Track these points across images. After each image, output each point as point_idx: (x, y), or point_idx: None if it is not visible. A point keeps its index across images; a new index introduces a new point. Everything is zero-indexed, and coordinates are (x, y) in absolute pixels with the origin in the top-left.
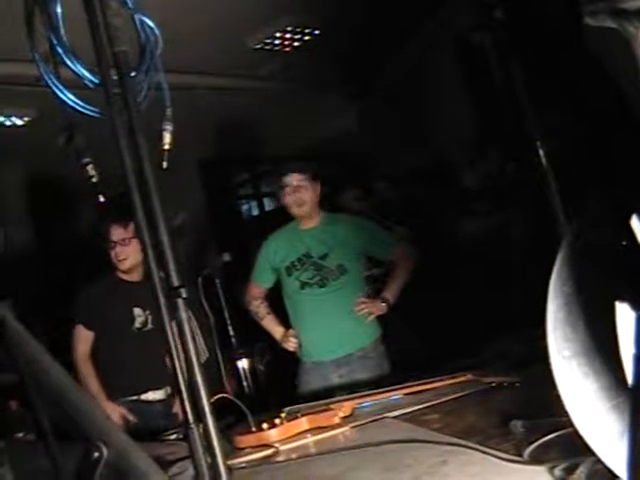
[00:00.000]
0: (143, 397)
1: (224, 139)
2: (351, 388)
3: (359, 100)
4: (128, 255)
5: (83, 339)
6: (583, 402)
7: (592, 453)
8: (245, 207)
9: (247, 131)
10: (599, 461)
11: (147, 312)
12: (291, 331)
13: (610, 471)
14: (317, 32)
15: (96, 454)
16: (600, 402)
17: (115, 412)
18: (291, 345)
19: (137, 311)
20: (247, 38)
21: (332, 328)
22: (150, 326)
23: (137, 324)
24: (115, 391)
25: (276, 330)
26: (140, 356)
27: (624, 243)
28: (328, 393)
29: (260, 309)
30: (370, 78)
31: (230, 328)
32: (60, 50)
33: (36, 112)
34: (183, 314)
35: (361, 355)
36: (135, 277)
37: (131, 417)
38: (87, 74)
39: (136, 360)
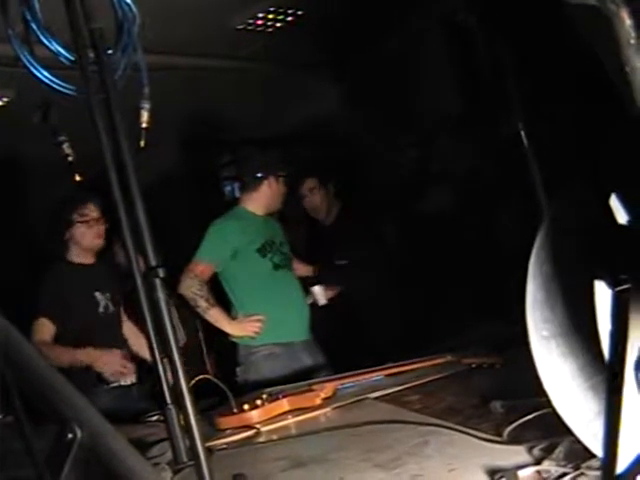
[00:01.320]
0: (122, 382)
1: (205, 120)
2: (325, 368)
3: (342, 82)
4: (102, 234)
5: (45, 331)
6: (561, 382)
7: (570, 433)
8: (228, 189)
9: (228, 112)
10: (577, 441)
11: (107, 295)
12: (256, 315)
13: (588, 450)
14: (300, 12)
15: (69, 435)
16: (578, 382)
17: (115, 358)
18: (256, 330)
19: (98, 295)
20: (229, 18)
21: (301, 311)
22: (112, 309)
23: (101, 308)
24: (93, 379)
25: (227, 321)
26: (110, 340)
27: (603, 222)
28: (310, 374)
29: (210, 296)
30: (354, 60)
31: None
32: (35, 26)
33: (15, 93)
34: (161, 294)
35: (313, 338)
36: (90, 259)
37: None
38: (63, 51)
39: (109, 344)
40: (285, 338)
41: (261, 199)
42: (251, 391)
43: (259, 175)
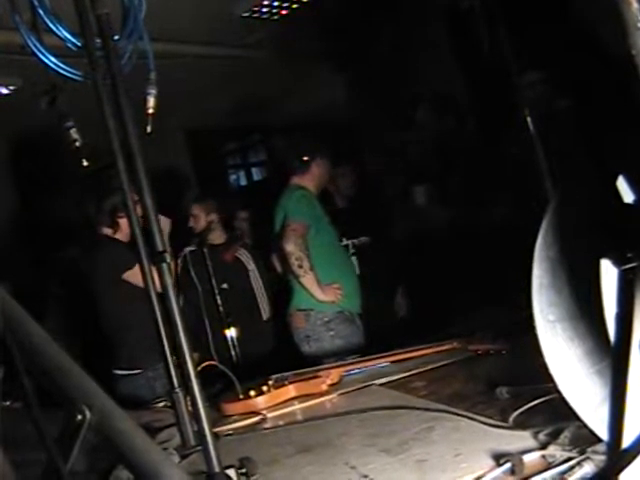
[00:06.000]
0: None
1: (211, 109)
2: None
3: (347, 70)
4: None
5: None
6: (567, 366)
7: (576, 418)
8: (233, 177)
9: (234, 101)
10: (583, 426)
11: None
12: (336, 284)
13: (594, 435)
14: (305, 0)
15: (79, 417)
16: (584, 366)
17: None
18: (339, 296)
19: None
20: (235, 5)
21: (358, 284)
22: None
23: None
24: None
25: (318, 285)
26: None
27: (610, 201)
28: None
29: (308, 259)
30: (359, 48)
31: (218, 297)
32: (41, 12)
33: (22, 81)
34: (168, 279)
35: None
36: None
37: None
38: (70, 37)
39: None
40: (352, 308)
41: (313, 179)
42: (324, 360)
43: (306, 158)
